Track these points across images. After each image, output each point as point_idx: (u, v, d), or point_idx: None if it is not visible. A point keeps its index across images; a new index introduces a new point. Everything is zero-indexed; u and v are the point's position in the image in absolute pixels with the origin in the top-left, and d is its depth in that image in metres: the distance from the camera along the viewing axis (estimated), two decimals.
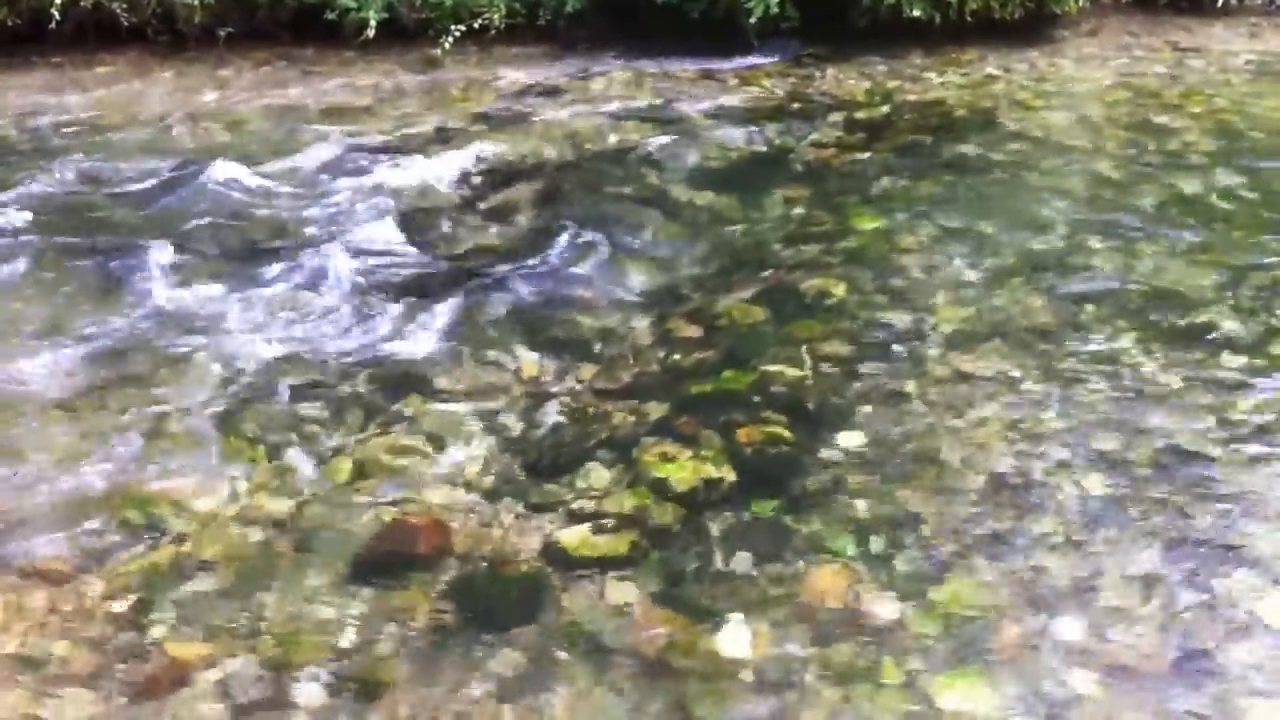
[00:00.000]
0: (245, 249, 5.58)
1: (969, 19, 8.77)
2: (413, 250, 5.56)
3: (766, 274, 5.22)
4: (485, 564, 3.49)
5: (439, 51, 8.81)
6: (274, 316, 4.90)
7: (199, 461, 3.97)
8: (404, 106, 7.80)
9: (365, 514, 3.70)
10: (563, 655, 3.13)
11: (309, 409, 4.26)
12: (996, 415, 4.10)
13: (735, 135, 7.11)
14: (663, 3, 8.84)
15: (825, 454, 3.93)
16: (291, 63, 8.85)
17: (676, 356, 4.58)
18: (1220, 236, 5.42)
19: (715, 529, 3.59)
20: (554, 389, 4.39)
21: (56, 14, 8.58)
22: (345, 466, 3.95)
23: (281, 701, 3.01)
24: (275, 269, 5.30)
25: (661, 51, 8.78)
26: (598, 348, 4.67)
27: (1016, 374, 4.34)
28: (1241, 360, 4.37)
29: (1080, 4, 9.10)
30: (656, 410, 4.20)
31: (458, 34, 8.89)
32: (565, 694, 3.01)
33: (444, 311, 4.90)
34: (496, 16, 8.99)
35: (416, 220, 5.90)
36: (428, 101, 7.92)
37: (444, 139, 7.09)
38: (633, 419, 4.16)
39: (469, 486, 3.84)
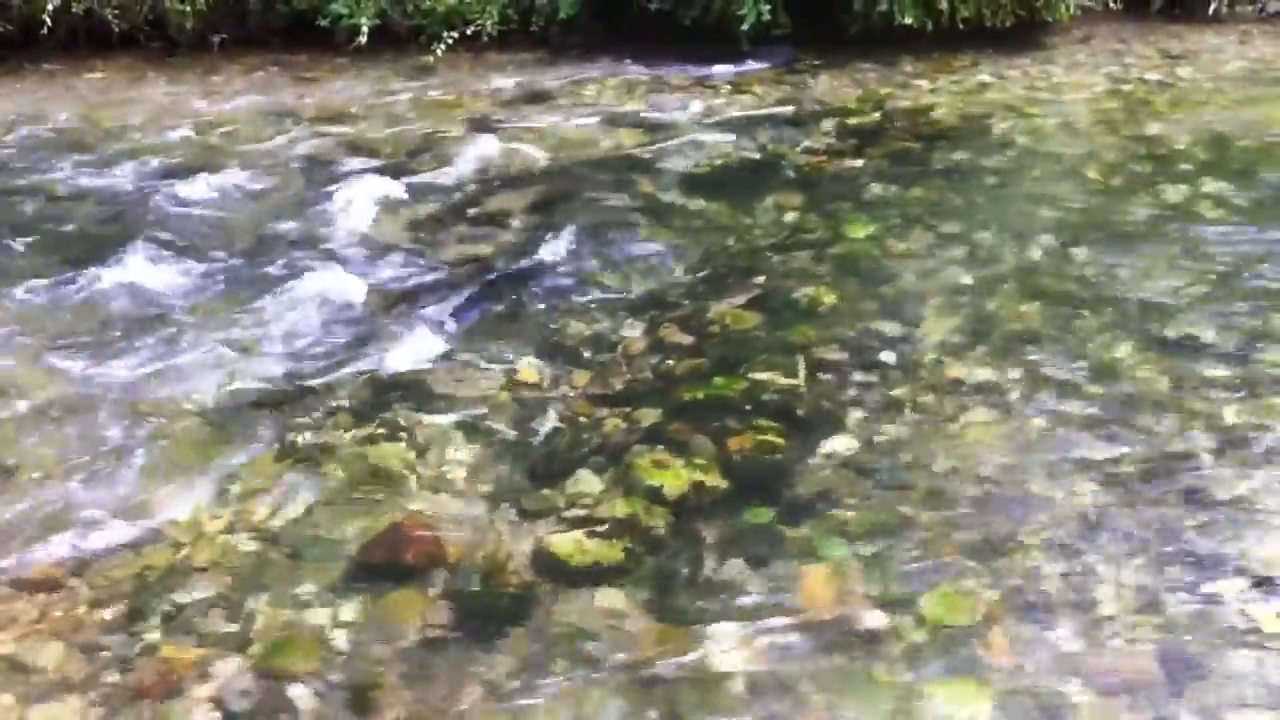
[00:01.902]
0: (237, 256, 5.58)
1: (961, 26, 8.78)
2: (404, 257, 5.56)
3: (758, 281, 5.23)
4: (477, 571, 3.49)
5: (431, 58, 8.81)
6: (265, 323, 4.90)
7: (190, 468, 3.97)
8: (396, 113, 7.80)
9: (358, 520, 3.70)
10: (555, 662, 3.13)
11: (301, 415, 4.26)
12: (988, 422, 4.11)
13: (727, 142, 7.12)
14: (655, 9, 8.86)
15: (817, 461, 3.94)
16: (283, 69, 8.85)
17: (669, 363, 4.59)
18: (1210, 244, 5.43)
19: (707, 536, 3.60)
20: (546, 395, 4.39)
21: (48, 20, 8.57)
22: (338, 473, 3.95)
23: (274, 709, 3.01)
24: (267, 276, 5.30)
25: (654, 58, 8.79)
26: (590, 354, 4.67)
27: (1007, 381, 4.35)
28: (1232, 367, 4.38)
29: (1071, 11, 9.12)
30: (649, 417, 4.20)
31: (450, 41, 8.89)
32: (557, 701, 3.01)
33: (436, 318, 4.90)
34: (489, 23, 9.00)
35: (408, 227, 5.91)
36: (420, 108, 7.93)
37: (436, 146, 7.09)
38: (625, 426, 4.16)
39: (462, 493, 3.84)
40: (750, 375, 4.44)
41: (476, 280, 5.26)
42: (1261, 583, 3.31)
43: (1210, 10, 9.64)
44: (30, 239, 5.78)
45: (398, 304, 5.08)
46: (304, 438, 4.14)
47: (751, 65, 8.69)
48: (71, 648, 3.22)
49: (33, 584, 3.45)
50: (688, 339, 4.75)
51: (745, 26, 8.59)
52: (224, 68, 8.88)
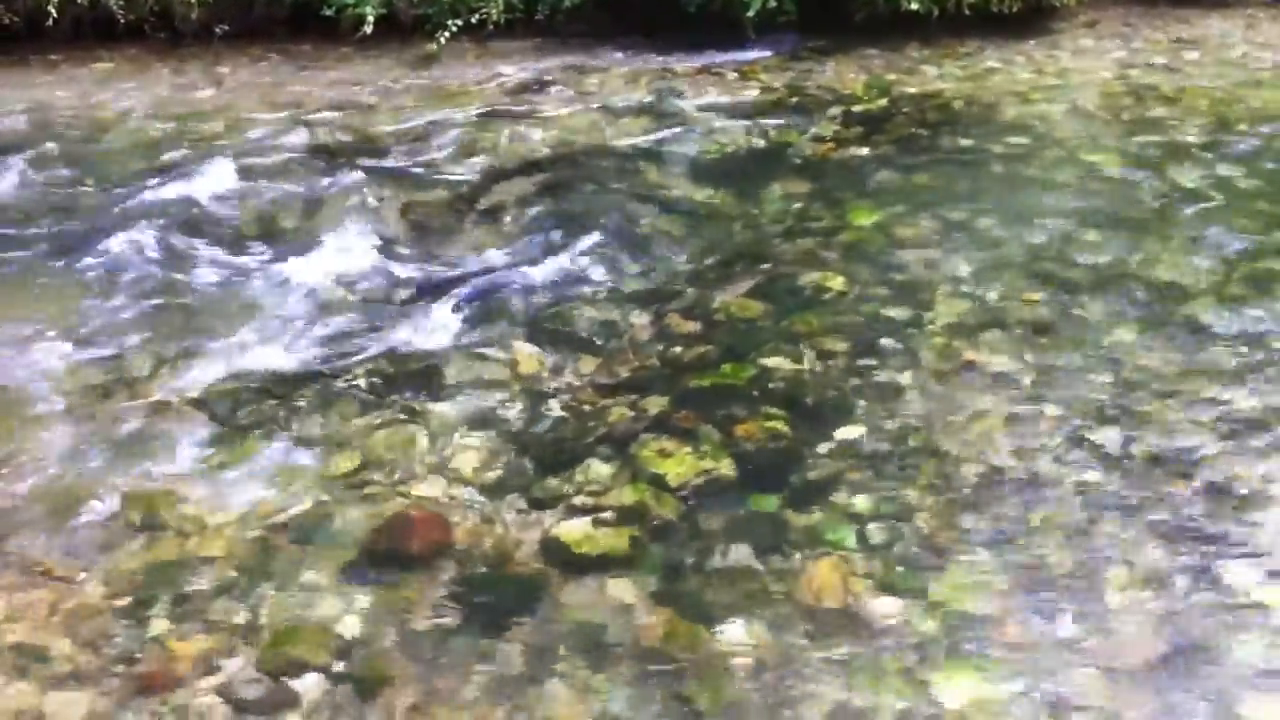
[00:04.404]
0: (243, 246, 5.57)
1: (967, 12, 8.75)
2: (410, 246, 5.56)
3: (765, 268, 5.22)
4: (485, 559, 3.50)
5: (436, 47, 8.80)
6: (272, 313, 4.90)
7: (198, 458, 3.97)
8: (401, 102, 7.79)
9: (365, 510, 3.71)
10: (563, 650, 3.14)
11: (308, 405, 4.26)
12: (995, 407, 4.11)
13: (733, 129, 7.10)
14: None
15: (824, 448, 3.93)
16: (288, 59, 8.84)
17: (675, 351, 4.58)
18: (1218, 228, 5.41)
19: (714, 523, 3.60)
20: (553, 384, 4.39)
21: (54, 11, 8.58)
22: (345, 462, 3.95)
23: (281, 698, 3.02)
24: (272, 266, 5.31)
25: (659, 46, 8.76)
26: (596, 342, 4.67)
27: (1015, 366, 4.34)
28: (1239, 351, 4.37)
29: None
30: (655, 405, 4.20)
31: (455, 29, 8.87)
32: (565, 689, 3.02)
33: (442, 307, 4.90)
34: (494, 11, 8.97)
35: (414, 216, 5.90)
36: (425, 97, 7.91)
37: (441, 135, 7.07)
38: (632, 414, 4.16)
39: (469, 482, 3.85)
40: (757, 362, 4.43)
41: (483, 269, 5.26)
42: (1271, 568, 3.31)
43: None
44: (37, 230, 5.77)
45: (403, 293, 5.08)
46: (310, 426, 4.14)
47: (757, 53, 8.66)
48: (81, 638, 3.22)
49: (43, 574, 3.46)
50: (694, 327, 4.75)
51: (751, 14, 8.57)
52: (229, 58, 8.86)
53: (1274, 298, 4.76)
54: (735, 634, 3.16)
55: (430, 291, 5.06)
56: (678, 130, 7.09)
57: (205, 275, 5.26)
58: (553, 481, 3.82)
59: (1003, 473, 3.77)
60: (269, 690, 3.04)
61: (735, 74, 8.29)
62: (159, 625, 3.26)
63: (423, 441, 4.06)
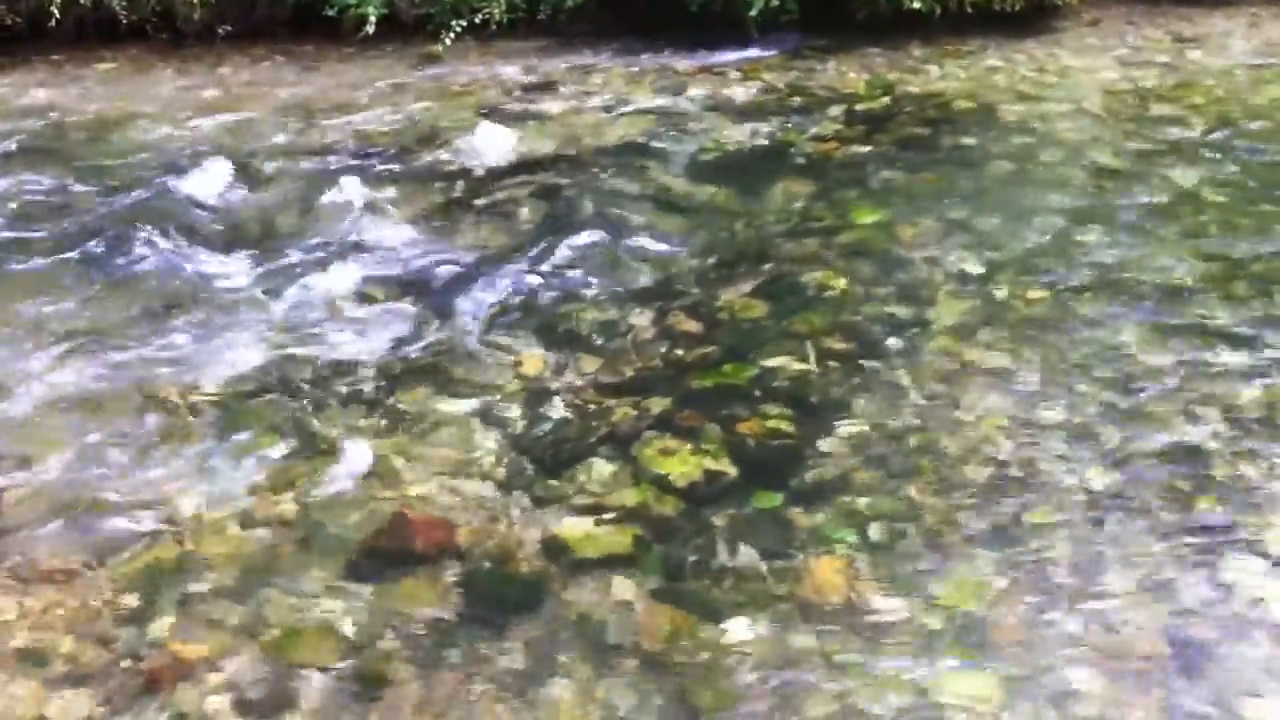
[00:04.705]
0: (244, 246, 5.57)
1: (969, 11, 8.74)
2: (412, 246, 5.55)
3: (767, 267, 5.22)
4: (488, 559, 3.50)
5: (439, 47, 8.79)
6: (274, 313, 4.91)
7: (200, 458, 3.98)
8: (403, 102, 7.79)
9: (367, 510, 3.71)
10: (566, 650, 3.14)
11: (309, 405, 4.27)
12: (997, 407, 4.10)
13: (735, 129, 7.09)
14: None
15: (827, 447, 3.93)
16: (291, 59, 8.84)
17: (678, 350, 4.58)
18: (1220, 227, 5.41)
19: (717, 523, 3.60)
20: (555, 384, 4.39)
21: (56, 12, 8.59)
22: (348, 462, 3.95)
23: (284, 698, 3.02)
24: (274, 266, 5.31)
25: (661, 45, 8.75)
26: (599, 342, 4.67)
27: (1017, 365, 4.34)
28: (1241, 351, 4.36)
29: None
30: (658, 404, 4.20)
31: (458, 29, 8.87)
32: (568, 689, 3.02)
33: (444, 307, 4.90)
34: (497, 11, 8.96)
35: (417, 217, 5.90)
36: (427, 97, 7.91)
37: (444, 135, 7.07)
38: (634, 413, 4.16)
39: (472, 481, 3.85)
40: (759, 362, 4.43)
41: (485, 269, 5.25)
42: (1274, 566, 3.31)
43: None
44: (41, 231, 5.78)
45: (406, 293, 5.08)
46: (313, 427, 4.14)
47: (759, 52, 8.64)
48: (84, 638, 3.23)
49: (46, 575, 3.46)
50: (697, 326, 4.75)
51: (753, 13, 8.56)
52: (231, 58, 8.87)
53: (1277, 297, 4.75)
54: (738, 633, 3.16)
55: (431, 291, 5.06)
56: (680, 129, 7.08)
57: (205, 275, 5.26)
58: (555, 481, 3.82)
59: (1005, 472, 3.77)
60: (272, 690, 3.04)
61: (737, 73, 8.28)
62: (161, 626, 3.26)
63: (424, 441, 4.06)
